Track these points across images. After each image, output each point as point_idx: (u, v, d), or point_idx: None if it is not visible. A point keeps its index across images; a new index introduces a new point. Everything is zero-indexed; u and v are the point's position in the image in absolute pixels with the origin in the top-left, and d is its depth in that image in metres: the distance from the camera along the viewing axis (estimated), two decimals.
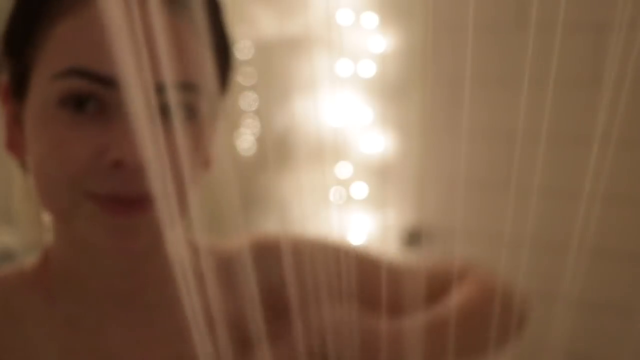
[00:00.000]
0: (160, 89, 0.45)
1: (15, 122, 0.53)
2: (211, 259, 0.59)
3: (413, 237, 1.71)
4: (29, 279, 0.57)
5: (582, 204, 0.58)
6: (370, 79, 1.66)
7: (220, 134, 0.58)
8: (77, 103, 0.47)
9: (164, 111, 0.46)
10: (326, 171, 1.58)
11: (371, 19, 1.64)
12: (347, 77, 1.64)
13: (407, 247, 1.71)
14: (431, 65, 1.50)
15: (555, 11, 0.56)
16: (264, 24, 1.73)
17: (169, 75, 0.43)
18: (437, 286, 0.67)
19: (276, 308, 0.57)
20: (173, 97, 0.46)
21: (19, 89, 0.52)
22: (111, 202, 0.48)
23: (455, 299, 0.65)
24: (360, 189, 1.67)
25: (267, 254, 0.60)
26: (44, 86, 0.49)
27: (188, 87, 0.48)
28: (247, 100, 1.80)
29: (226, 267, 0.55)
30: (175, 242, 0.42)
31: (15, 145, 0.54)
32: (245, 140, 1.85)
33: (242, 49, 1.71)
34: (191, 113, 0.50)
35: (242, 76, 1.75)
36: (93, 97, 0.47)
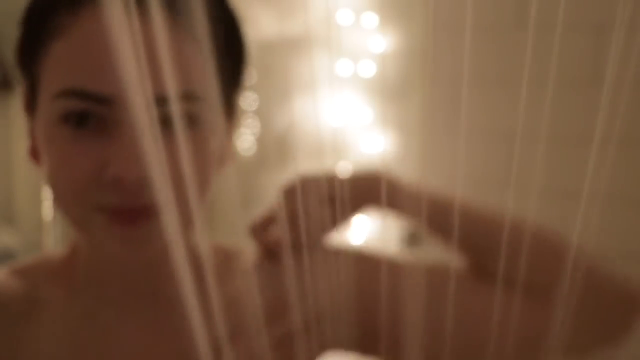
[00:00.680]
0: (160, 100, 0.46)
1: (33, 133, 0.55)
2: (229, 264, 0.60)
3: (413, 237, 1.71)
4: (54, 271, 0.59)
5: (582, 204, 0.58)
6: (370, 79, 1.66)
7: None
8: (78, 120, 0.48)
9: (165, 122, 0.46)
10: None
11: (371, 19, 1.64)
12: (347, 77, 1.64)
13: (407, 247, 1.71)
14: (431, 65, 1.50)
15: (555, 11, 0.56)
16: (264, 24, 1.73)
17: (170, 87, 0.43)
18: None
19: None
20: (175, 108, 0.46)
21: (31, 103, 0.54)
22: (118, 213, 0.49)
23: None
24: None
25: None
26: (47, 103, 0.50)
27: (188, 96, 0.49)
28: (247, 100, 1.80)
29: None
30: (181, 247, 0.43)
31: (36, 155, 0.55)
32: (245, 140, 1.85)
33: None
34: (193, 121, 0.50)
35: None
36: (92, 114, 0.48)
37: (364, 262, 0.63)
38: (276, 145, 1.81)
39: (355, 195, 0.62)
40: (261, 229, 0.62)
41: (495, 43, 1.49)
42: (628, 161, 1.38)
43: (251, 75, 1.78)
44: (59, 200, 0.52)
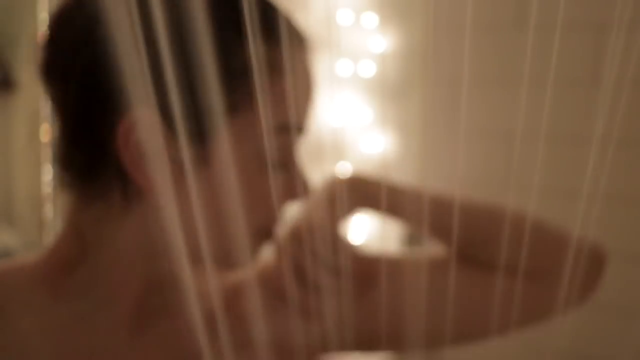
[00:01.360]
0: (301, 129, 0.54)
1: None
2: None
3: (413, 237, 1.71)
4: (32, 275, 0.55)
5: (582, 204, 0.58)
6: (370, 79, 1.66)
7: None
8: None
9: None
10: (326, 171, 1.58)
11: (371, 19, 1.64)
12: (347, 77, 1.64)
13: (407, 247, 1.70)
14: (431, 65, 1.50)
15: (554, 11, 0.56)
16: None
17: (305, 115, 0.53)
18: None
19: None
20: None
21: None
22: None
23: None
24: None
25: None
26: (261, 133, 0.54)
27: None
28: None
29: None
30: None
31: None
32: None
33: None
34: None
35: None
36: None
37: (361, 263, 0.63)
38: None
39: (350, 197, 0.63)
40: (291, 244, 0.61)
41: (495, 43, 1.49)
42: (628, 161, 1.37)
43: None
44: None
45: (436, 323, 0.61)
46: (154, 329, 0.57)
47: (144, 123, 0.46)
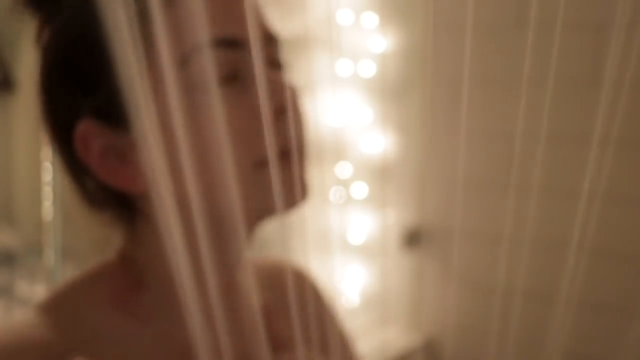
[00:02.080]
0: (269, 40, 0.50)
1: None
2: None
3: (413, 237, 1.71)
4: (110, 295, 0.50)
5: (582, 204, 0.58)
6: (370, 79, 1.66)
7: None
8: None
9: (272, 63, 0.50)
10: (326, 171, 1.58)
11: (371, 19, 1.64)
12: (347, 77, 1.64)
13: (407, 247, 1.71)
14: (431, 65, 1.50)
15: (554, 11, 0.56)
16: None
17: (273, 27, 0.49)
18: None
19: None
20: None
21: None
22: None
23: None
24: (360, 189, 1.67)
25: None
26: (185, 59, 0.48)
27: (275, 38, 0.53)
28: None
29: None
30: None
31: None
32: None
33: None
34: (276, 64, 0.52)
35: None
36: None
37: None
38: None
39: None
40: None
41: (495, 43, 1.49)
42: (628, 161, 1.38)
43: None
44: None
45: None
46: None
47: (89, 132, 0.46)
